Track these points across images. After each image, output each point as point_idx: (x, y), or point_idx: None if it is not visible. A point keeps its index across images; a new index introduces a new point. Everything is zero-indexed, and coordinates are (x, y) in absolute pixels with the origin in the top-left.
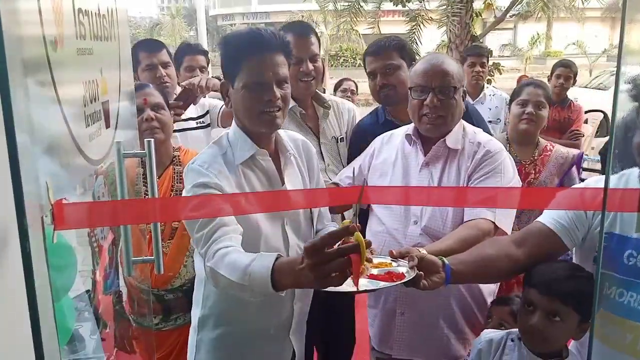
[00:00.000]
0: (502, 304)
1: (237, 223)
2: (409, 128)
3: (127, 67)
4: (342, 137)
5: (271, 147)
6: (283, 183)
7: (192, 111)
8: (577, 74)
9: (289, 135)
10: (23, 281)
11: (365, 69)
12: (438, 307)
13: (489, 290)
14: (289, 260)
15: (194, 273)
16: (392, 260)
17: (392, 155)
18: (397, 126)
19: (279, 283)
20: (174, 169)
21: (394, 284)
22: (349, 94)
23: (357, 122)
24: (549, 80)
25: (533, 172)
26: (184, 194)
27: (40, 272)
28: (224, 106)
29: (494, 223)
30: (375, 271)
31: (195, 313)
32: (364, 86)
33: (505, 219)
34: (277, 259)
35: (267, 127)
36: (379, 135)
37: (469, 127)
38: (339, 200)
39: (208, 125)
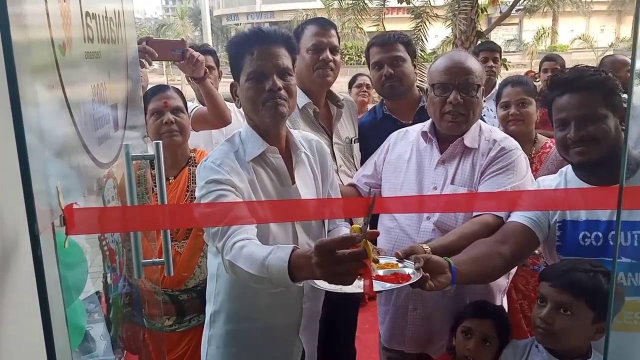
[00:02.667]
0: (480, 316)
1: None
2: (425, 125)
3: (134, 70)
4: (357, 139)
5: (282, 145)
6: (294, 182)
7: None
8: (564, 65)
9: (303, 135)
10: (35, 285)
11: (369, 61)
12: (450, 302)
13: (498, 287)
14: (304, 252)
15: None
16: (398, 261)
17: (407, 151)
18: (395, 121)
19: (296, 275)
20: (190, 170)
21: (400, 285)
22: (364, 89)
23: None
24: (538, 76)
25: None
26: (197, 190)
27: (51, 277)
28: (195, 109)
29: (501, 218)
30: (381, 272)
31: (208, 309)
32: None
33: (513, 212)
34: (293, 251)
35: (271, 116)
36: (378, 130)
37: (485, 126)
38: (350, 211)
39: None
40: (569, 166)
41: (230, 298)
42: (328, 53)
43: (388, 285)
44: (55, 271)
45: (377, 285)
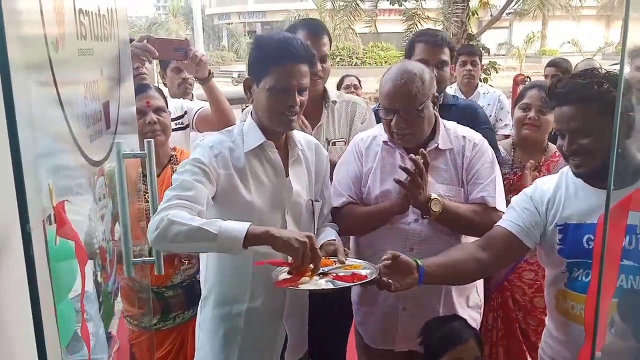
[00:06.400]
0: (463, 341)
1: (204, 207)
2: (384, 135)
3: (127, 68)
4: (340, 141)
5: (280, 141)
6: (287, 175)
7: (170, 111)
8: (567, 70)
9: (304, 136)
10: (25, 283)
11: (411, 54)
12: (440, 300)
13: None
14: (265, 227)
15: (193, 269)
16: (362, 261)
17: (380, 159)
18: None
19: (249, 240)
20: (172, 168)
21: (353, 284)
22: (352, 89)
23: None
24: (528, 79)
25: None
26: (182, 164)
27: (42, 274)
28: (200, 110)
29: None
30: (342, 272)
31: (202, 294)
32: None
33: (502, 201)
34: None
35: (284, 127)
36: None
37: (447, 123)
38: None
39: (187, 127)
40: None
41: (217, 283)
42: (318, 63)
43: (339, 284)
44: (46, 269)
45: (330, 284)
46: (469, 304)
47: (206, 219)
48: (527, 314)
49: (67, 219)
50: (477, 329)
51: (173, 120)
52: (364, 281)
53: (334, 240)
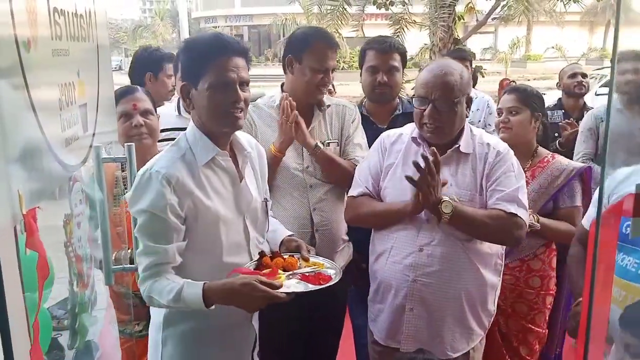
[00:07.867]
0: None
1: (176, 258)
2: (413, 131)
3: (107, 69)
4: (333, 142)
5: (227, 147)
6: (242, 179)
7: (176, 122)
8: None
9: (244, 136)
10: None
11: (362, 62)
12: (448, 303)
13: (491, 285)
14: (218, 285)
15: None
16: (324, 260)
17: (402, 156)
18: (371, 123)
19: (210, 302)
20: None
21: (320, 287)
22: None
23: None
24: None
25: None
26: (137, 200)
27: (12, 283)
28: None
29: (516, 215)
30: (307, 270)
31: (159, 312)
32: (340, 89)
33: (525, 211)
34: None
35: (231, 127)
36: None
37: (474, 129)
38: None
39: None
40: None
41: None
42: (330, 75)
43: (310, 287)
44: (18, 279)
45: (300, 286)
46: (480, 311)
47: (174, 286)
48: (507, 318)
49: (36, 229)
50: (485, 334)
51: (179, 129)
52: (329, 283)
53: (293, 235)
